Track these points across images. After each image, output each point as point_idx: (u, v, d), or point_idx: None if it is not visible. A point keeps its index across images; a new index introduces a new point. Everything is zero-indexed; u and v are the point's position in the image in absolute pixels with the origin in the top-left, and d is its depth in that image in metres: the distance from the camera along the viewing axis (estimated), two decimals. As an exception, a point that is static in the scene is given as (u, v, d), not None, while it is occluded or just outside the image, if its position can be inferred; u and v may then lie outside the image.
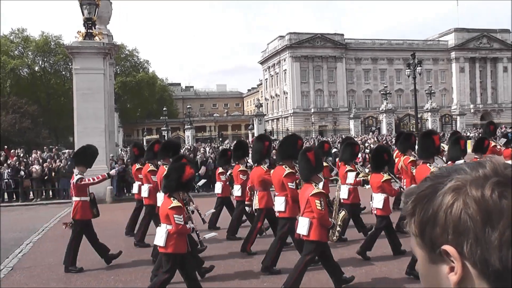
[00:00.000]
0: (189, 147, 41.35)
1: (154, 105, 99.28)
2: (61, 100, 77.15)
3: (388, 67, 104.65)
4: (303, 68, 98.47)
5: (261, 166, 11.32)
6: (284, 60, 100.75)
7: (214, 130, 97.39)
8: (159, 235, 7.80)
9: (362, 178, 12.33)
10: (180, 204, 7.69)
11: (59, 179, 24.59)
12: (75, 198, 10.80)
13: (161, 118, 77.90)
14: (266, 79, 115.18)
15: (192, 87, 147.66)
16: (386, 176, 10.42)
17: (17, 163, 24.96)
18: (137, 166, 13.97)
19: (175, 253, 7.78)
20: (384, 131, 58.93)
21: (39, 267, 11.06)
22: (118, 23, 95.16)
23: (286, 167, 9.87)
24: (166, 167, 10.76)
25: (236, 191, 13.21)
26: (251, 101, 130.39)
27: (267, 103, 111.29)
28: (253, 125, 61.89)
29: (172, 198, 7.70)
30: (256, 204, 11.23)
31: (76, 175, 10.87)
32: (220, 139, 69.79)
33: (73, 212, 10.73)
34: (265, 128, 63.45)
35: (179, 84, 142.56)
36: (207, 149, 35.87)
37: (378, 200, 10.38)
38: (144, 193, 12.84)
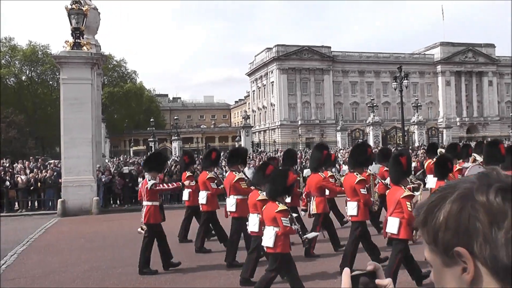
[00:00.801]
0: (176, 159, 41.23)
1: (141, 116, 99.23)
2: (48, 110, 76.95)
3: (375, 80, 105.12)
4: (290, 80, 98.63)
5: (319, 173, 12.20)
6: (272, 72, 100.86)
7: (201, 141, 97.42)
8: (268, 237, 8.36)
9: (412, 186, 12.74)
10: (286, 208, 8.33)
11: (45, 189, 24.40)
12: (146, 203, 11.05)
13: (148, 129, 77.72)
14: (254, 91, 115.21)
15: (180, 98, 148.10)
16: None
17: (2, 173, 24.74)
18: (188, 173, 14.31)
19: (283, 253, 8.38)
20: (371, 143, 58.97)
21: (23, 279, 10.93)
22: (106, 34, 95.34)
23: (357, 174, 10.52)
24: (235, 173, 11.66)
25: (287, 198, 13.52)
26: (238, 112, 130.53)
27: (255, 115, 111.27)
28: (240, 137, 61.83)
29: (277, 202, 8.27)
30: (313, 210, 11.89)
31: (149, 180, 11.15)
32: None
33: (145, 217, 10.93)
34: (252, 140, 63.33)
35: (167, 95, 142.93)
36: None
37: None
38: (202, 200, 13.10)
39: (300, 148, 68.27)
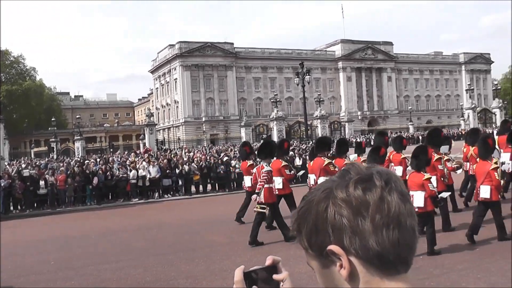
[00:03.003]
0: (78, 159, 40.40)
1: (42, 115, 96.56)
2: None
3: (278, 75, 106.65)
4: (194, 77, 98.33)
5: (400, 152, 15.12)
6: (175, 69, 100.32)
7: (105, 140, 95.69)
8: (418, 199, 10.38)
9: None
10: (430, 176, 10.91)
11: None
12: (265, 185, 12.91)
13: (49, 129, 75.70)
14: (157, 88, 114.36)
15: (82, 96, 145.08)
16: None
17: None
18: (249, 162, 16.71)
19: (432, 210, 10.84)
20: (275, 138, 59.75)
21: None
22: (1, 28, 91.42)
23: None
24: (324, 158, 13.79)
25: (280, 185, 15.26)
26: (142, 110, 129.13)
27: (158, 113, 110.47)
28: (144, 135, 61.27)
29: (422, 172, 10.81)
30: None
31: (265, 165, 13.09)
32: (111, 150, 68.73)
33: (265, 197, 12.83)
34: (156, 138, 62.85)
35: (68, 93, 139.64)
36: (98, 160, 35.26)
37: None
38: (278, 185, 14.52)
39: (205, 145, 68.58)
